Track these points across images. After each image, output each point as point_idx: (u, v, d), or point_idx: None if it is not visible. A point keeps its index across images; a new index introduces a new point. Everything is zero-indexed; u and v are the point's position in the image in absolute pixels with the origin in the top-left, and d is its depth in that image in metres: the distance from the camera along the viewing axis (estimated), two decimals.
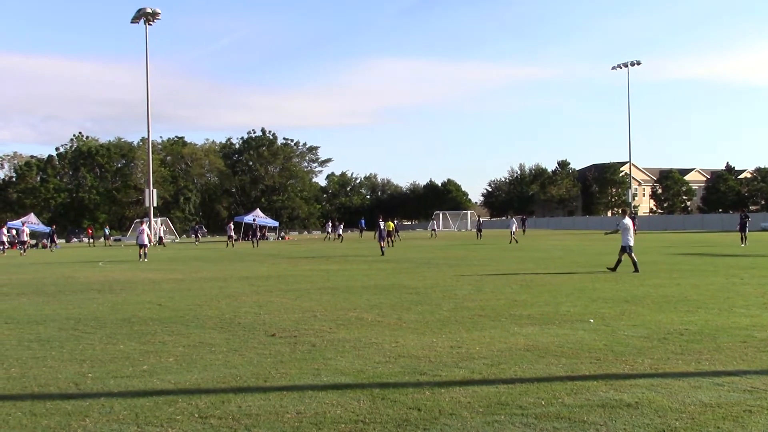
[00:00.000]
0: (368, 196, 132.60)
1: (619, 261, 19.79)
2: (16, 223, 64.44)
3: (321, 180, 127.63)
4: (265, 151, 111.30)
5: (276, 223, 61.76)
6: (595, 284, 16.20)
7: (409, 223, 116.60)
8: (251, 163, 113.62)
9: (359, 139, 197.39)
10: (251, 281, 18.98)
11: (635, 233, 22.38)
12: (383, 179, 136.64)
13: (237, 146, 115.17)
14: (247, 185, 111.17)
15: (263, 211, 79.37)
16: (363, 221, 70.11)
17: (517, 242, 43.39)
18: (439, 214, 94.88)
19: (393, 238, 43.29)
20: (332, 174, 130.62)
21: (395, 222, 52.11)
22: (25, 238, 48.26)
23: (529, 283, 16.61)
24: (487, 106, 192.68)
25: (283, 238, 60.60)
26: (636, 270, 18.99)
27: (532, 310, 11.95)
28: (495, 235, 62.46)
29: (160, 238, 63.29)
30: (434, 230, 62.82)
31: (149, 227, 63.23)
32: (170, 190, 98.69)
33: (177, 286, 17.88)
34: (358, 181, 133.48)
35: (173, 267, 26.64)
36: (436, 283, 17.09)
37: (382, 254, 32.67)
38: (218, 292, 16.01)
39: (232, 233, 52.79)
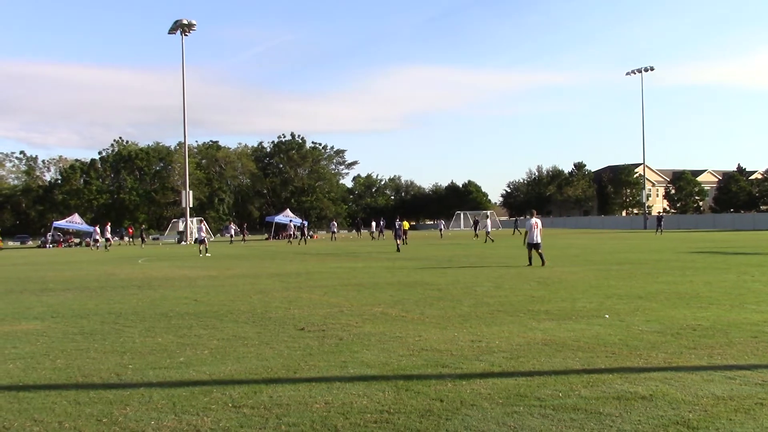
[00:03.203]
0: (392, 197, 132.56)
1: (530, 257, 21.53)
2: (62, 222, 65.38)
3: (347, 182, 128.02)
4: (294, 154, 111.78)
5: (288, 221, 62.03)
6: (610, 281, 16.05)
7: (432, 222, 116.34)
8: (281, 165, 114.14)
9: (384, 143, 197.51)
10: (281, 278, 19.05)
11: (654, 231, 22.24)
12: (407, 181, 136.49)
13: (268, 150, 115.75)
14: (278, 187, 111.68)
15: (293, 211, 79.69)
16: (383, 221, 69.98)
17: (492, 241, 43.50)
18: (459, 214, 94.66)
19: (406, 237, 43.42)
20: (358, 176, 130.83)
21: (411, 222, 52.33)
22: (98, 237, 51.18)
23: (546, 280, 16.50)
24: (506, 110, 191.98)
25: (311, 236, 60.81)
26: (542, 263, 20.73)
27: (550, 305, 11.88)
28: (501, 234, 62.11)
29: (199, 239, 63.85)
30: (441, 230, 61.78)
31: (185, 227, 63.94)
32: (205, 192, 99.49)
33: (211, 283, 18.01)
34: (382, 183, 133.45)
35: (208, 264, 26.85)
36: (457, 280, 17.04)
37: (398, 250, 33.92)
38: (250, 288, 16.10)
39: (292, 232, 54.83)
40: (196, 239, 37.06)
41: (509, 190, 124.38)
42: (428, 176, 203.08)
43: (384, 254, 31.77)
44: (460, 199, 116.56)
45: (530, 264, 21.25)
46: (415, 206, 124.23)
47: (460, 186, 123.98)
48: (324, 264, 25.34)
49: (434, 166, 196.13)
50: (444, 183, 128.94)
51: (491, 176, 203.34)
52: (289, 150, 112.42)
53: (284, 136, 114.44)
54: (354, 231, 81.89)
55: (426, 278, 17.89)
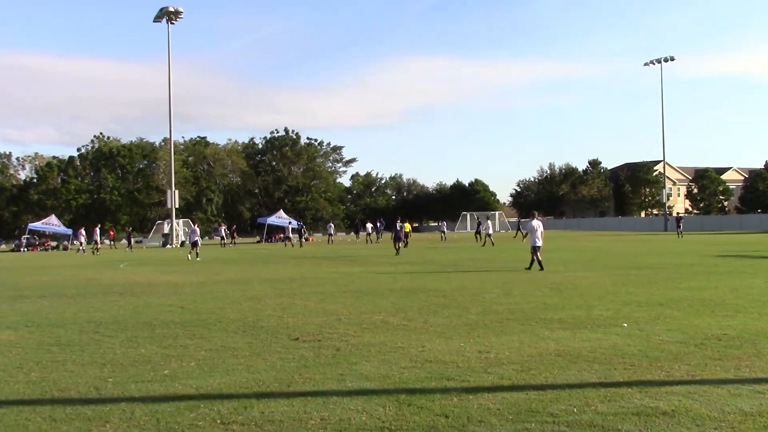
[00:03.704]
0: (393, 197, 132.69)
1: (532, 261, 21.99)
2: (38, 224, 65.35)
3: (345, 180, 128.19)
4: (288, 151, 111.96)
5: (287, 222, 62.07)
6: (628, 287, 16.04)
7: (436, 224, 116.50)
8: (274, 163, 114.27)
9: (384, 139, 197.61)
10: (274, 284, 19.04)
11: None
12: (409, 179, 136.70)
13: (260, 146, 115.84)
14: (270, 186, 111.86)
15: (286, 212, 79.84)
16: (384, 222, 70.09)
17: (493, 245, 43.52)
18: (466, 215, 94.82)
19: (408, 239, 43.37)
20: (357, 174, 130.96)
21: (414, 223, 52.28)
22: (83, 239, 51.08)
23: (559, 286, 16.48)
24: (515, 104, 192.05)
25: (307, 239, 60.80)
26: (541, 268, 21.22)
27: (563, 313, 11.86)
28: (503, 237, 62.19)
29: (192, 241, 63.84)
30: (443, 233, 61.42)
31: (171, 229, 63.97)
32: (192, 191, 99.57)
33: (198, 289, 18.00)
34: (383, 182, 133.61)
35: (195, 269, 26.84)
36: (464, 286, 17.03)
37: (397, 253, 34.21)
38: (240, 295, 16.08)
39: (290, 234, 54.89)
40: (191, 242, 37.21)
41: (519, 190, 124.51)
42: (432, 175, 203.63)
43: (384, 258, 31.78)
44: (466, 199, 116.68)
45: (542, 268, 21.47)
46: (418, 207, 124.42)
47: (466, 185, 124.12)
48: (320, 269, 25.34)
49: (438, 163, 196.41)
50: (449, 182, 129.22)
51: (499, 175, 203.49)
52: (283, 146, 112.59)
53: (277, 132, 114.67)
54: (352, 233, 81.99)
55: (430, 284, 17.88)
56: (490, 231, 46.57)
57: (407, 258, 31.48)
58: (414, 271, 22.86)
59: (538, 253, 22.05)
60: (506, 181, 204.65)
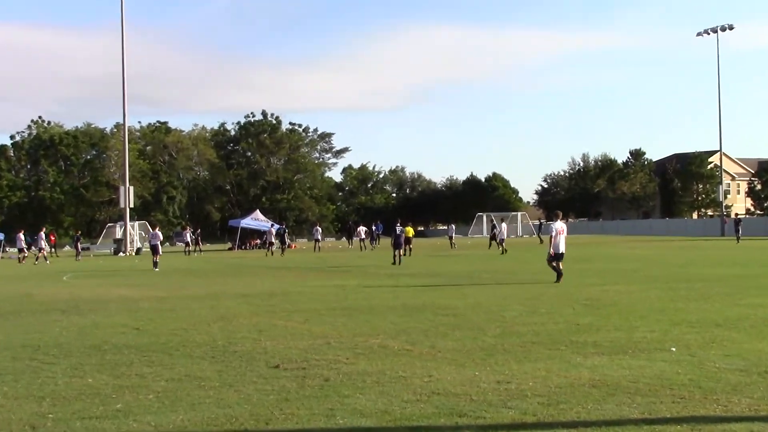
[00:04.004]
0: (393, 195, 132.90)
1: (559, 273, 22.05)
2: None
3: (335, 175, 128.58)
4: (266, 139, 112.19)
5: (267, 226, 62.14)
6: (678, 303, 16.06)
7: (445, 227, 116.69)
8: (249, 153, 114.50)
9: (383, 124, 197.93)
10: (249, 300, 19.05)
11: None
12: (413, 173, 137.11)
13: (232, 133, 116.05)
14: (245, 181, 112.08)
15: (264, 213, 79.90)
16: (381, 226, 70.17)
17: (504, 252, 43.57)
18: (482, 217, 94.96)
19: (410, 246, 43.29)
20: (349, 167, 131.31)
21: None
22: (23, 245, 50.88)
23: (594, 303, 16.51)
24: (541, 83, 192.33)
25: (289, 246, 60.82)
26: (557, 280, 21.68)
27: (599, 335, 11.87)
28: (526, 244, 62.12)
29: (140, 248, 63.83)
30: (452, 238, 61.09)
31: (125, 233, 63.93)
32: (150, 188, 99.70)
33: (158, 306, 18.00)
34: (381, 176, 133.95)
35: (154, 282, 26.83)
36: (479, 303, 17.05)
37: (394, 263, 34.40)
38: (209, 313, 16.09)
39: (272, 239, 54.84)
40: (150, 246, 37.23)
41: (546, 186, 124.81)
42: (440, 168, 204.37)
43: (382, 269, 31.80)
44: (483, 196, 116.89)
45: (558, 280, 21.85)
46: (424, 206, 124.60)
47: (483, 180, 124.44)
48: (305, 282, 25.36)
49: (448, 154, 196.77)
50: (461, 176, 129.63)
51: (522, 168, 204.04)
52: (260, 133, 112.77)
53: (253, 116, 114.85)
54: (344, 238, 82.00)
55: (438, 300, 17.90)
56: (504, 235, 46.57)
57: (410, 269, 31.51)
58: (418, 285, 22.87)
59: (560, 263, 22.21)
60: (531, 175, 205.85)
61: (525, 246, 55.85)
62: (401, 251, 36.65)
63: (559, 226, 22.66)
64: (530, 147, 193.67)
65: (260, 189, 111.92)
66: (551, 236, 22.51)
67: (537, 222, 71.43)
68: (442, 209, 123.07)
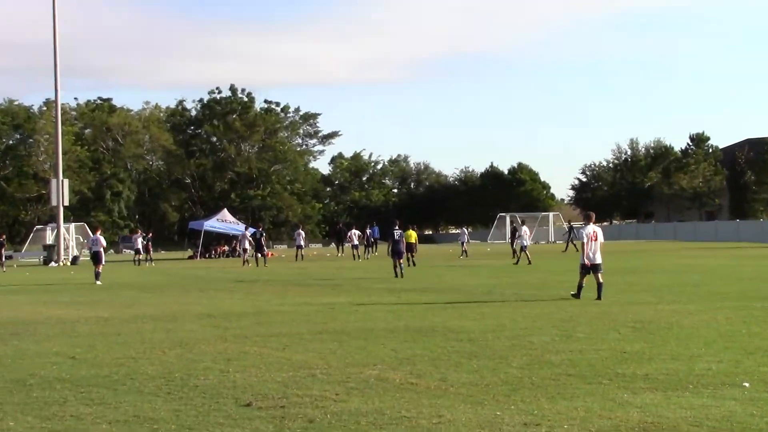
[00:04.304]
0: (395, 190, 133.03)
1: (599, 288, 22.20)
2: None
3: (323, 165, 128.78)
4: (236, 120, 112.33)
5: (241, 231, 62.05)
6: (752, 327, 16.04)
7: (457, 231, 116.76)
8: (215, 139, 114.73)
9: (382, 103, 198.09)
10: (215, 321, 19.06)
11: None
12: (418, 164, 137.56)
13: (193, 114, 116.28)
14: (209, 173, 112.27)
15: (233, 212, 79.94)
16: (377, 229, 70.16)
17: (529, 263, 43.45)
18: (504, 217, 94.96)
19: (414, 254, 42.92)
20: (340, 156, 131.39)
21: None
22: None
23: (645, 325, 16.49)
24: (576, 51, 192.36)
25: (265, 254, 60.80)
26: (598, 295, 21.94)
27: (651, 367, 11.85)
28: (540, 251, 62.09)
29: (76, 256, 63.73)
30: (464, 244, 60.49)
31: (57, 237, 63.74)
32: (90, 181, 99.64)
33: (100, 329, 17.98)
34: (379, 168, 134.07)
35: (96, 299, 26.79)
36: (501, 325, 17.04)
37: (396, 275, 34.30)
38: (164, 338, 16.06)
39: (247, 246, 55.00)
40: (92, 254, 37.12)
41: (584, 180, 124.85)
42: (453, 157, 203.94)
43: (380, 282, 31.86)
44: (506, 193, 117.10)
45: (578, 295, 22.34)
46: (432, 205, 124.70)
47: (505, 173, 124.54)
48: (284, 299, 25.38)
49: (463, 140, 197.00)
50: (479, 168, 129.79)
51: (555, 157, 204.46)
52: (228, 114, 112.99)
53: (219, 92, 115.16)
54: (333, 244, 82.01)
55: (450, 321, 17.89)
56: (526, 242, 46.32)
57: (414, 282, 31.54)
58: (425, 303, 22.90)
59: (600, 273, 22.32)
60: (565, 167, 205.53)
61: (558, 254, 55.80)
62: (402, 260, 36.52)
63: (591, 230, 22.57)
64: (564, 131, 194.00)
65: (228, 183, 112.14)
66: (583, 243, 22.51)
67: (566, 225, 70.60)
68: (455, 209, 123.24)
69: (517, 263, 43.76)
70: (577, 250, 37.68)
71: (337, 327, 17.42)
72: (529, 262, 43.77)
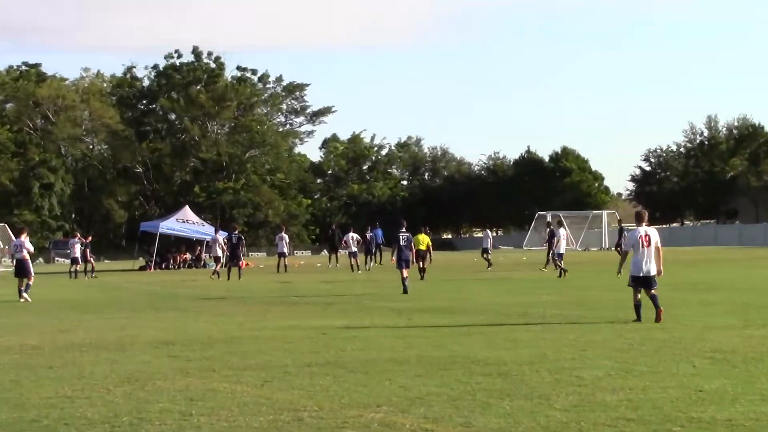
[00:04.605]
0: (405, 182, 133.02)
1: (658, 310, 22.14)
2: None
3: (312, 150, 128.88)
4: (200, 92, 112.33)
5: (209, 235, 61.90)
6: None
7: (481, 234, 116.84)
8: (173, 116, 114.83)
9: (388, 71, 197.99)
10: (175, 350, 19.07)
11: None
12: (434, 149, 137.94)
13: (146, 84, 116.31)
14: (166, 160, 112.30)
15: (197, 211, 79.96)
16: (379, 232, 69.96)
17: (562, 274, 43.66)
18: (544, 217, 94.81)
19: (425, 264, 42.70)
20: (334, 139, 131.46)
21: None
22: None
23: (728, 356, 16.46)
24: (633, 6, 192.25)
25: (239, 265, 60.65)
26: (657, 316, 21.92)
27: (735, 410, 11.83)
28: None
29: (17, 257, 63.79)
30: (487, 250, 59.87)
31: None
32: (13, 170, 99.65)
33: (27, 360, 18.00)
34: (385, 153, 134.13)
35: (21, 321, 26.81)
36: (540, 355, 17.02)
37: (405, 291, 34.49)
38: (109, 372, 16.06)
39: (218, 253, 55.18)
40: (15, 264, 37.14)
41: (647, 169, 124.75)
42: (478, 140, 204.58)
43: (384, 300, 32.00)
44: (546, 186, 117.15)
45: (638, 317, 22.32)
46: (452, 201, 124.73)
47: (546, 160, 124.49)
48: (263, 321, 25.42)
49: (490, 119, 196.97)
50: (512, 153, 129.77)
51: (610, 140, 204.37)
52: (191, 84, 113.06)
53: (179, 56, 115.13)
54: (325, 251, 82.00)
55: (474, 350, 17.90)
56: (562, 248, 46.28)
57: (429, 300, 31.66)
58: (443, 326, 22.95)
59: (654, 289, 22.32)
60: (624, 152, 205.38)
61: (613, 264, 55.78)
62: (407, 271, 36.38)
63: (644, 232, 22.46)
64: (622, 107, 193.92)
65: (191, 173, 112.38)
66: (621, 247, 22.48)
67: (616, 226, 70.06)
68: (482, 206, 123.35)
69: (560, 276, 43.75)
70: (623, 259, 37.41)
71: (331, 357, 17.41)
72: (561, 275, 43.75)
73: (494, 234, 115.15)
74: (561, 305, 28.36)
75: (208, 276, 52.04)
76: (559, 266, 45.04)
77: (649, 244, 22.26)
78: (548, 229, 53.64)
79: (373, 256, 63.57)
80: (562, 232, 47.82)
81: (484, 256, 58.19)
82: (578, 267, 53.92)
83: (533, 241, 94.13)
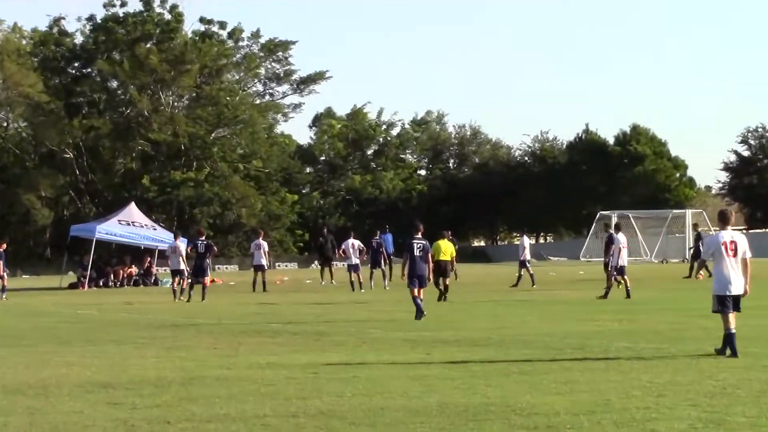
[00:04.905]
0: (422, 172, 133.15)
1: (729, 327, 22.28)
2: None
3: (300, 129, 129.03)
4: (151, 52, 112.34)
5: (166, 242, 61.90)
6: None
7: (532, 240, 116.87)
8: (115, 84, 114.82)
9: (400, 24, 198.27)
10: (116, 395, 19.10)
11: None
12: (460, 127, 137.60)
13: (78, 41, 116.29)
14: (105, 143, 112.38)
15: (147, 209, 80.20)
16: (389, 237, 69.88)
17: (627, 295, 43.82)
18: (608, 218, 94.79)
19: (447, 281, 42.66)
20: (329, 114, 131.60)
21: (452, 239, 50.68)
22: None
23: None
24: None
25: (202, 281, 60.72)
26: (726, 350, 22.27)
27: None
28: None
29: None
30: (527, 263, 59.40)
31: None
32: None
33: None
34: (396, 133, 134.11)
35: None
36: (603, 402, 17.03)
37: (418, 316, 34.72)
38: (28, 425, 16.08)
39: (181, 266, 54.85)
40: None
41: (745, 155, 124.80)
42: (520, 117, 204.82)
43: (397, 327, 32.04)
44: (611, 176, 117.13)
45: (733, 351, 22.10)
46: (487, 197, 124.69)
47: (610, 142, 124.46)
48: (234, 357, 25.45)
49: (535, 86, 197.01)
50: (565, 134, 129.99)
51: (696, 118, 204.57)
52: (138, 40, 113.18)
53: (123, 4, 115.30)
54: (316, 263, 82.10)
55: (516, 395, 17.90)
56: (620, 259, 46.06)
57: (453, 328, 31.78)
58: (471, 362, 22.93)
59: (729, 315, 22.16)
60: (714, 133, 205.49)
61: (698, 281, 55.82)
62: (422, 291, 36.29)
63: (729, 238, 22.31)
64: (710, 73, 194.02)
65: (138, 159, 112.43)
66: (697, 255, 22.42)
67: (693, 233, 69.82)
68: (525, 204, 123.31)
69: (629, 296, 43.70)
70: (711, 275, 37.46)
71: (324, 406, 17.40)
72: (605, 294, 43.72)
73: (542, 241, 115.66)
74: (630, 335, 28.38)
75: (160, 296, 52.10)
76: (615, 281, 44.92)
77: (735, 253, 22.06)
78: (606, 234, 53.27)
79: (381, 269, 63.02)
80: (619, 239, 47.35)
81: (523, 271, 57.75)
82: (653, 284, 54.00)
83: (593, 250, 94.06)
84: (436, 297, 40.63)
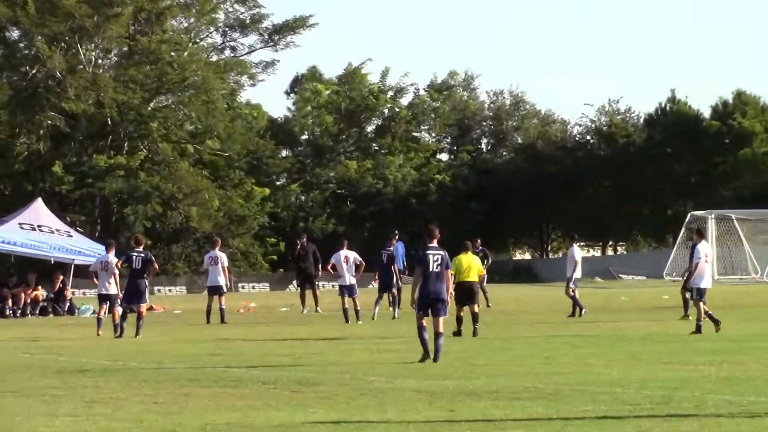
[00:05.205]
0: (444, 156, 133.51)
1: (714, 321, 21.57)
2: None
3: (273, 97, 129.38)
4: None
5: (90, 254, 62.02)
6: None
7: (586, 253, 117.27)
8: (16, 34, 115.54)
9: None
10: None
11: None
12: (498, 94, 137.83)
13: None
14: (0, 115, 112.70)
15: (60, 207, 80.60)
16: (400, 248, 69.59)
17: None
18: (705, 221, 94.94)
19: (475, 307, 42.51)
20: (313, 77, 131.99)
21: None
22: None
23: None
24: None
25: (132, 310, 60.96)
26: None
27: None
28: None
29: None
30: (570, 284, 59.22)
31: None
32: None
33: None
34: (407, 102, 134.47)
35: None
36: None
37: (423, 359, 34.56)
38: None
39: (107, 288, 54.09)
40: None
41: None
42: (578, 81, 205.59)
43: (407, 374, 32.06)
44: (703, 164, 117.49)
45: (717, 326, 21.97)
46: (532, 190, 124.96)
47: (705, 116, 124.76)
48: (179, 415, 25.32)
49: (599, 41, 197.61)
50: (640, 104, 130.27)
51: None
52: None
53: None
54: (296, 285, 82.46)
55: None
56: (699, 278, 46.05)
57: (483, 372, 31.89)
58: (510, 420, 22.87)
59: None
60: None
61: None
62: (441, 320, 36.04)
63: None
64: None
65: (48, 137, 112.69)
66: None
67: None
68: (587, 199, 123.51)
69: (698, 330, 43.59)
70: None
71: None
72: (717, 326, 43.83)
73: (611, 253, 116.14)
74: (732, 384, 28.42)
75: (78, 329, 52.24)
76: (696, 309, 44.93)
77: None
78: (694, 237, 53.03)
79: (389, 294, 62.65)
80: (701, 251, 46.83)
81: (570, 293, 57.21)
82: (765, 313, 54.32)
83: (683, 265, 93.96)
84: (466, 331, 40.62)
